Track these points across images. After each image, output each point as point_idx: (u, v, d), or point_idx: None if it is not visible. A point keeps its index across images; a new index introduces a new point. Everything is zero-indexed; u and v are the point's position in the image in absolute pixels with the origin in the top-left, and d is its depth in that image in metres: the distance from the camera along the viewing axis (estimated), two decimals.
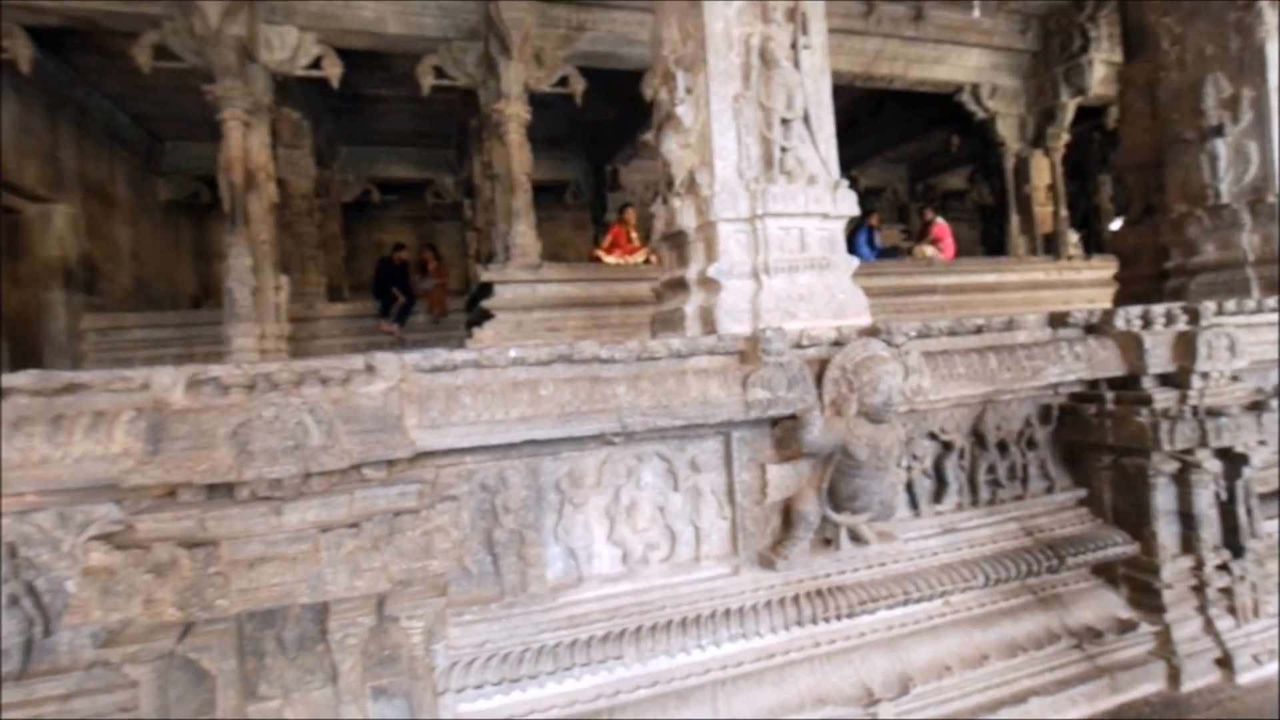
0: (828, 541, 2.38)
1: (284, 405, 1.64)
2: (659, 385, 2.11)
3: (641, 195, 12.22)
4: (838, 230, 2.58)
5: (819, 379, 2.24)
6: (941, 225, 8.64)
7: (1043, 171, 8.95)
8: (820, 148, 2.53)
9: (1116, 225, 11.89)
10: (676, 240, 2.65)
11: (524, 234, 7.63)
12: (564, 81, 8.06)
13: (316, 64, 7.40)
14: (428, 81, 7.83)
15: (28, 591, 1.78)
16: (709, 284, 2.48)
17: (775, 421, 2.33)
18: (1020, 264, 8.54)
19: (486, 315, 7.26)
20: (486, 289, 7.37)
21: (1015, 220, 9.01)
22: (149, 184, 10.11)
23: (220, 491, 1.70)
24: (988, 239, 11.40)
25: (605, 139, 11.51)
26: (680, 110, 2.49)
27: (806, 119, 2.46)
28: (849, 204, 2.54)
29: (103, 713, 1.77)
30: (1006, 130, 8.78)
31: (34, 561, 1.79)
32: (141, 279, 9.42)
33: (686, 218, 2.52)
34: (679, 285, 2.64)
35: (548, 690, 2.02)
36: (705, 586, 2.30)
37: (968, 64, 8.55)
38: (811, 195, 2.44)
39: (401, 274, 9.32)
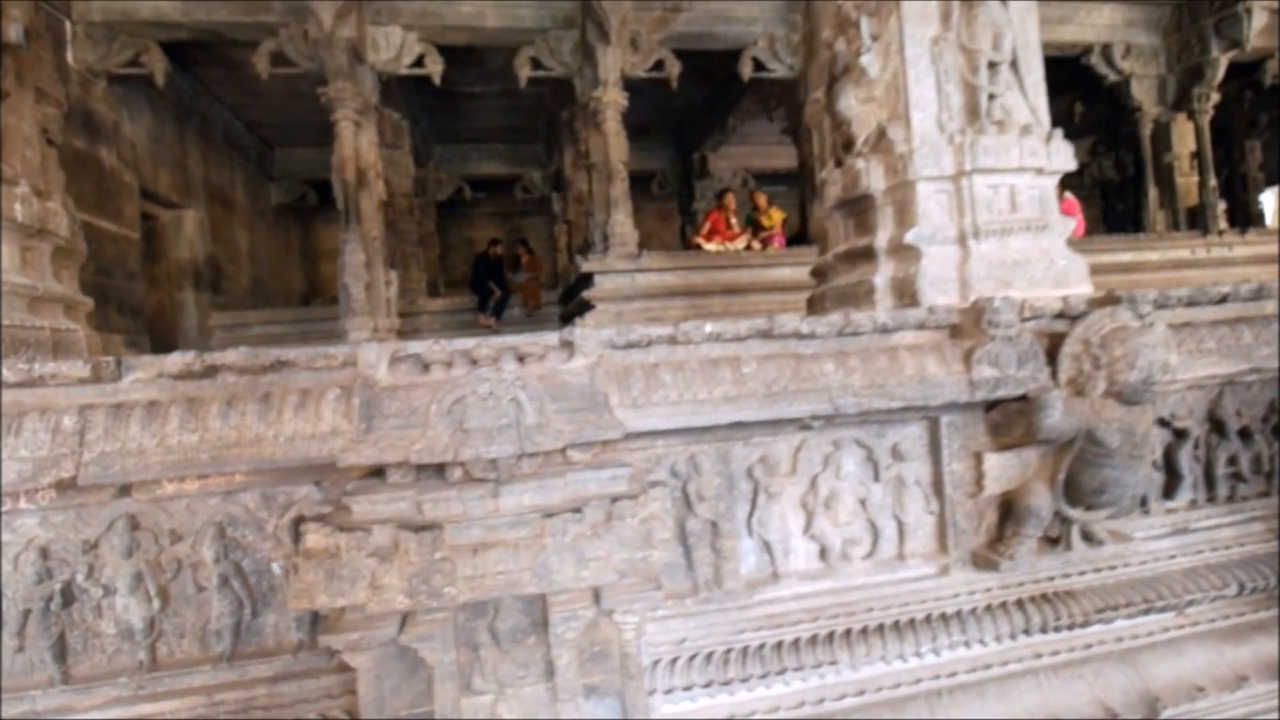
0: (1052, 540, 2.08)
1: (498, 381, 1.52)
2: (869, 363, 1.89)
3: (729, 182, 11.92)
4: (1050, 188, 2.26)
5: (1050, 355, 1.95)
6: (1071, 200, 7.90)
7: (1186, 137, 8.04)
8: (1029, 94, 2.23)
9: (1271, 196, 10.60)
10: (858, 206, 2.40)
11: (622, 223, 7.52)
12: (659, 66, 7.90)
13: (419, 62, 7.55)
14: (524, 73, 7.84)
15: (236, 572, 1.76)
16: (905, 252, 2.22)
17: (990, 405, 2.05)
18: (1161, 241, 7.69)
19: (586, 306, 7.20)
20: (586, 280, 7.32)
21: (1153, 193, 8.14)
22: (262, 189, 10.69)
23: (428, 472, 1.60)
24: (1109, 218, 10.38)
25: (693, 125, 11.28)
26: (864, 60, 2.24)
27: (1014, 63, 2.16)
28: (1064, 157, 2.22)
29: (308, 697, 1.73)
30: (1143, 93, 7.93)
31: (240, 542, 1.77)
32: (258, 278, 9.97)
33: (874, 179, 2.27)
34: (862, 256, 2.40)
35: (751, 694, 1.84)
36: (912, 588, 2.06)
37: (1098, 21, 7.77)
38: (1026, 147, 2.14)
39: (497, 268, 9.44)
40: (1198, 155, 7.91)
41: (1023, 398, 1.93)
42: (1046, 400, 1.84)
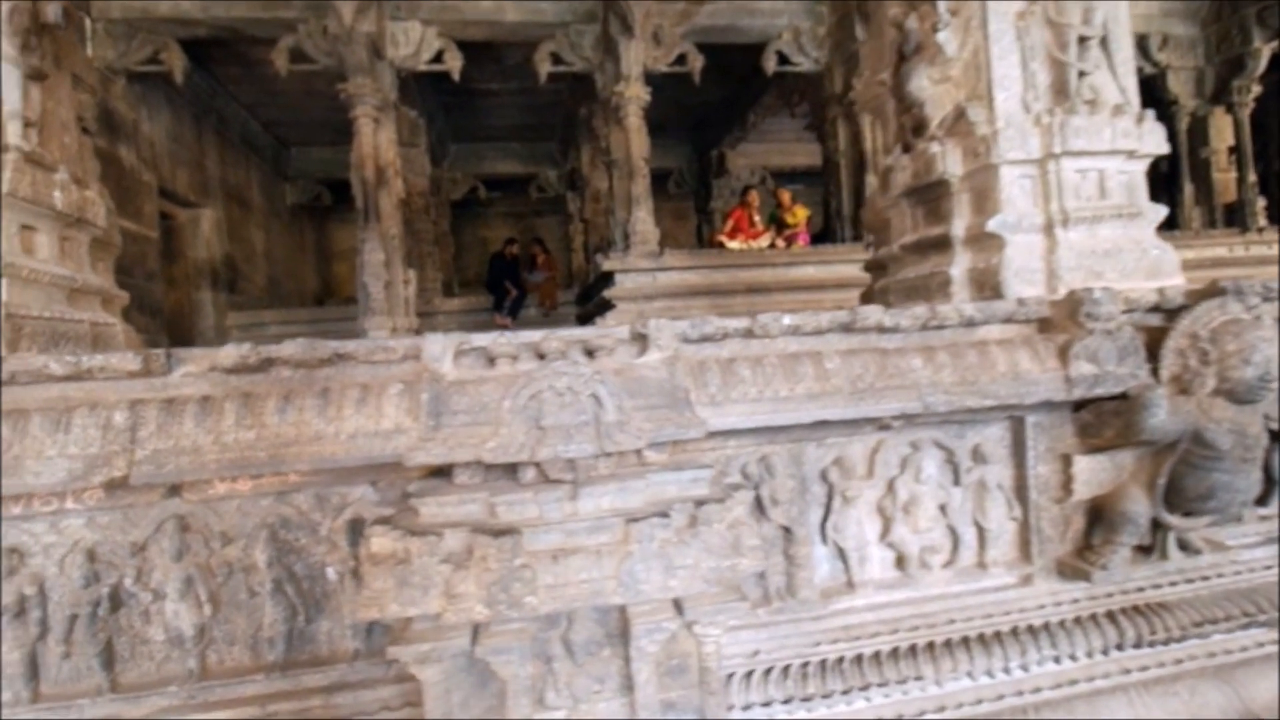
0: (1144, 549, 1.96)
1: (576, 375, 1.42)
2: (959, 359, 1.77)
3: (747, 180, 11.80)
4: (1140, 173, 2.14)
5: (1149, 350, 1.83)
6: None
7: (1224, 132, 7.86)
8: (1119, 72, 2.10)
9: None
10: (929, 194, 2.28)
11: (644, 221, 7.42)
12: (681, 60, 7.79)
13: (438, 58, 7.47)
14: (545, 68, 7.75)
15: (289, 577, 1.66)
16: (985, 241, 2.10)
17: (1080, 404, 1.93)
18: (1198, 239, 7.52)
19: (605, 306, 7.10)
20: (606, 279, 7.21)
21: (1189, 190, 7.96)
22: (278, 188, 10.66)
23: (496, 472, 1.50)
24: None
25: (711, 122, 11.17)
26: (941, 37, 2.12)
27: (1104, 39, 2.04)
28: (1157, 139, 2.10)
29: (366, 709, 1.63)
30: (1179, 86, 7.76)
31: (292, 545, 1.67)
32: (273, 278, 9.93)
33: (950, 164, 2.16)
34: (934, 246, 2.28)
35: (829, 711, 1.73)
36: (994, 598, 1.94)
37: (1134, 12, 7.60)
38: (1119, 128, 2.02)
39: (513, 268, 9.36)
40: (1236, 150, 7.72)
41: (1121, 396, 1.81)
42: (1150, 399, 1.72)
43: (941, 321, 1.84)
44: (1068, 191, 2.02)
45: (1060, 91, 2.03)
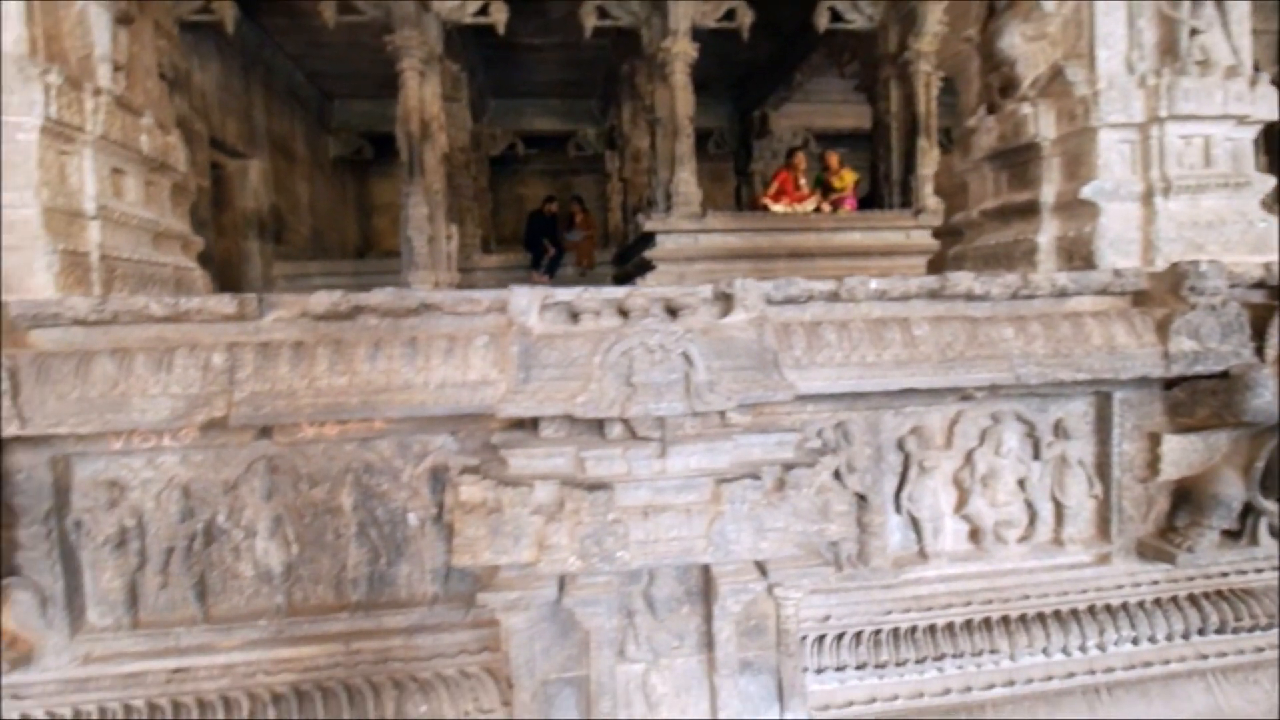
0: (1232, 534, 1.90)
1: (668, 333, 1.40)
2: (1052, 330, 1.70)
3: (789, 142, 11.46)
4: (1247, 140, 2.00)
5: (1255, 328, 1.74)
6: None
7: None
8: (1233, 31, 1.95)
9: None
10: (1016, 157, 2.17)
11: (687, 181, 7.25)
12: (730, 15, 7.50)
13: (484, 10, 7.30)
14: (590, 23, 7.52)
15: (372, 521, 1.71)
16: (1077, 208, 2.00)
17: (1170, 382, 1.85)
18: None
19: (645, 266, 7.03)
20: (646, 239, 7.13)
21: None
22: (321, 141, 10.68)
23: (580, 427, 1.50)
24: None
25: (755, 81, 10.81)
26: None
27: None
28: (1270, 104, 1.95)
29: (444, 651, 1.68)
30: (1259, 52, 7.21)
31: (374, 490, 1.71)
32: (317, 230, 10.04)
33: (1042, 126, 2.04)
34: (1018, 212, 2.18)
35: (901, 679, 1.73)
36: (1069, 575, 1.90)
37: None
38: (1231, 91, 1.88)
39: (551, 226, 9.32)
40: None
41: (1220, 375, 1.73)
42: (1256, 379, 1.63)
43: (1033, 290, 1.76)
44: (1170, 158, 1.90)
45: (1168, 51, 1.89)
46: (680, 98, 7.29)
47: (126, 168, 1.94)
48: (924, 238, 7.12)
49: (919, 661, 1.71)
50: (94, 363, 1.45)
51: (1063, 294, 1.79)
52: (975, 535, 1.90)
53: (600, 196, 12.31)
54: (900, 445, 1.85)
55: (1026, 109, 2.09)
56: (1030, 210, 2.13)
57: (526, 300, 1.53)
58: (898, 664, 1.70)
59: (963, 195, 2.57)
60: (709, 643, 1.51)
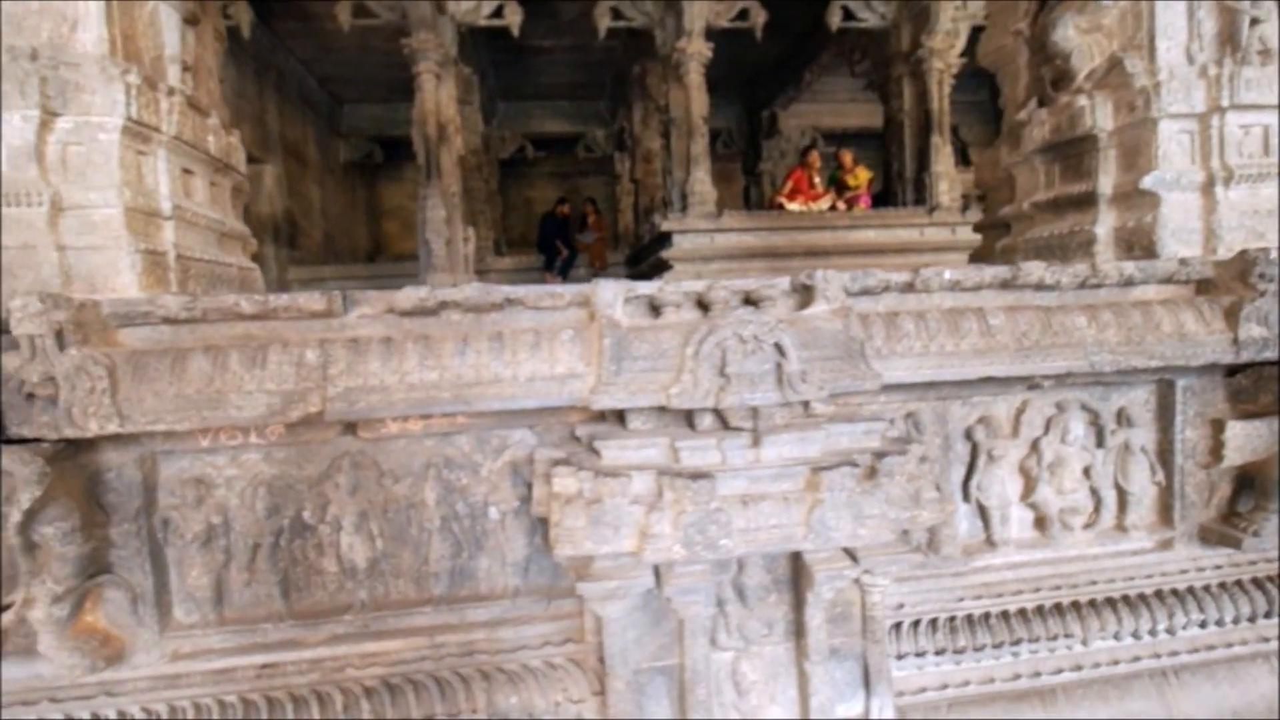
0: None
1: (761, 324, 1.42)
2: (1123, 318, 1.72)
3: (797, 141, 11.49)
4: None
5: None
6: None
7: None
8: None
9: None
10: (1071, 149, 2.19)
11: (702, 181, 7.28)
12: (743, 15, 7.54)
13: (498, 13, 7.33)
14: (604, 23, 7.56)
15: (453, 515, 1.72)
16: (1136, 199, 2.02)
17: (1233, 369, 1.88)
18: None
19: (661, 267, 7.05)
20: (662, 239, 7.15)
21: None
22: (332, 145, 10.70)
23: (666, 419, 1.52)
24: None
25: (764, 81, 10.85)
26: None
27: None
28: None
29: (528, 643, 1.70)
30: None
31: (454, 484, 1.72)
32: (329, 234, 10.06)
33: (1099, 118, 2.06)
34: (1074, 203, 2.20)
35: (970, 664, 1.75)
36: (1133, 561, 1.92)
37: None
38: None
39: (564, 227, 9.34)
40: None
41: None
42: None
43: (1101, 279, 1.78)
44: (1230, 148, 1.92)
45: (1227, 41, 1.92)
46: (695, 98, 7.32)
47: (195, 168, 1.96)
48: (938, 234, 7.16)
49: (992, 647, 1.73)
50: (189, 360, 1.47)
51: (1129, 283, 1.81)
52: (1041, 523, 1.92)
53: (609, 198, 12.33)
54: (968, 435, 1.87)
55: (1082, 101, 2.11)
56: (1086, 201, 2.15)
57: (611, 294, 1.55)
58: (971, 650, 1.72)
59: (1009, 189, 2.59)
60: (797, 630, 1.53)
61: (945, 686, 1.78)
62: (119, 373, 1.44)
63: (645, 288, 1.62)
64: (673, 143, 7.76)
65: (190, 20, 1.91)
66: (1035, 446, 1.89)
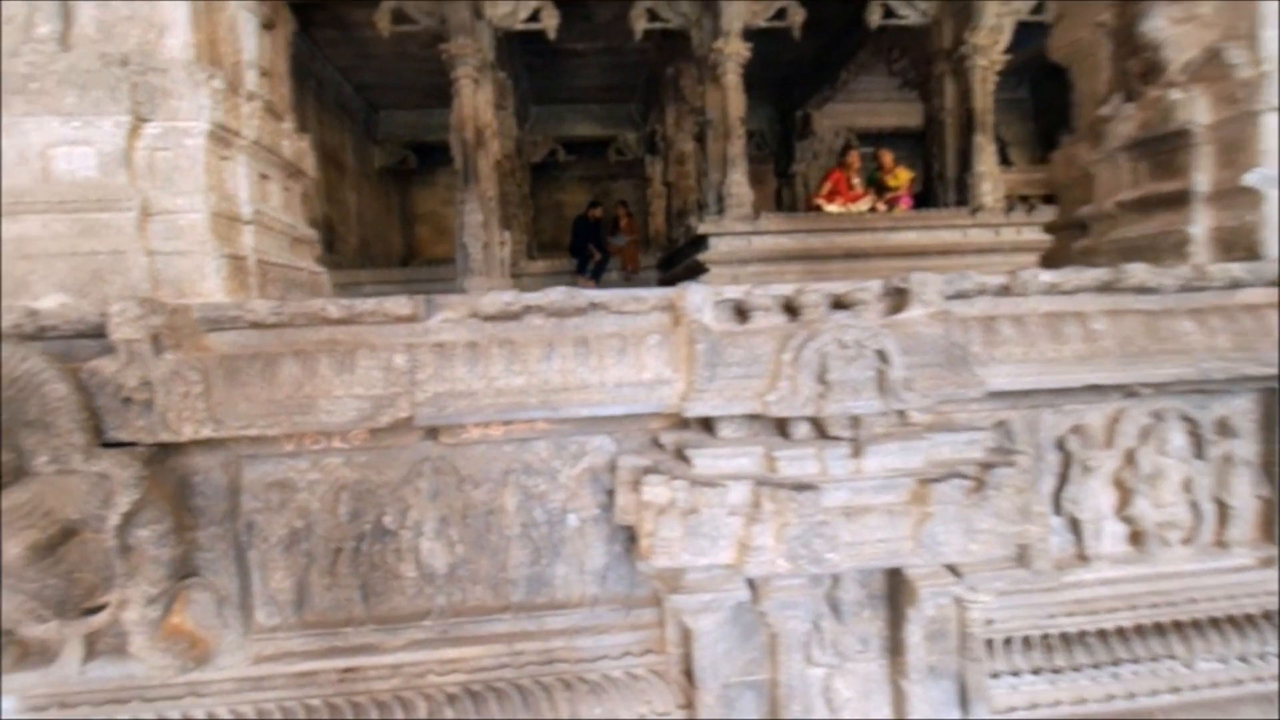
0: None
1: (863, 329, 1.37)
2: (1232, 323, 1.64)
3: (831, 142, 11.36)
4: None
5: None
6: None
7: None
8: None
9: None
10: (1161, 145, 2.10)
11: (739, 183, 7.22)
12: (780, 15, 7.47)
13: (534, 17, 7.37)
14: (640, 25, 7.54)
15: (531, 522, 1.70)
16: (1236, 197, 1.93)
17: None
18: None
19: (697, 270, 7.00)
20: (697, 243, 7.11)
21: None
22: (367, 152, 10.87)
23: (758, 426, 1.48)
24: None
25: (798, 81, 10.75)
26: None
27: None
28: None
29: (608, 653, 1.67)
30: None
31: (532, 491, 1.70)
32: (365, 239, 10.21)
33: (1196, 112, 1.97)
34: (1164, 203, 2.11)
35: (1066, 684, 1.68)
36: (1234, 579, 1.83)
37: None
38: None
39: (596, 231, 9.34)
40: None
41: None
42: None
43: (1206, 282, 1.70)
44: None
45: None
46: (732, 99, 7.26)
47: (271, 173, 1.97)
48: (982, 236, 7.00)
49: (1090, 667, 1.65)
50: (279, 365, 1.47)
51: (1235, 285, 1.72)
52: (1137, 537, 1.83)
53: (640, 201, 12.32)
54: (1060, 444, 1.80)
55: (1176, 94, 2.02)
56: (1178, 200, 2.05)
57: (700, 297, 1.51)
58: (1064, 669, 1.64)
59: (1085, 187, 2.50)
60: (892, 647, 1.48)
61: (1035, 706, 1.70)
62: (212, 377, 1.44)
63: (732, 291, 1.58)
64: (708, 144, 7.71)
65: (267, 25, 1.93)
66: (1131, 457, 1.81)
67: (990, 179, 7.22)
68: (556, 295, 1.56)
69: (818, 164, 11.07)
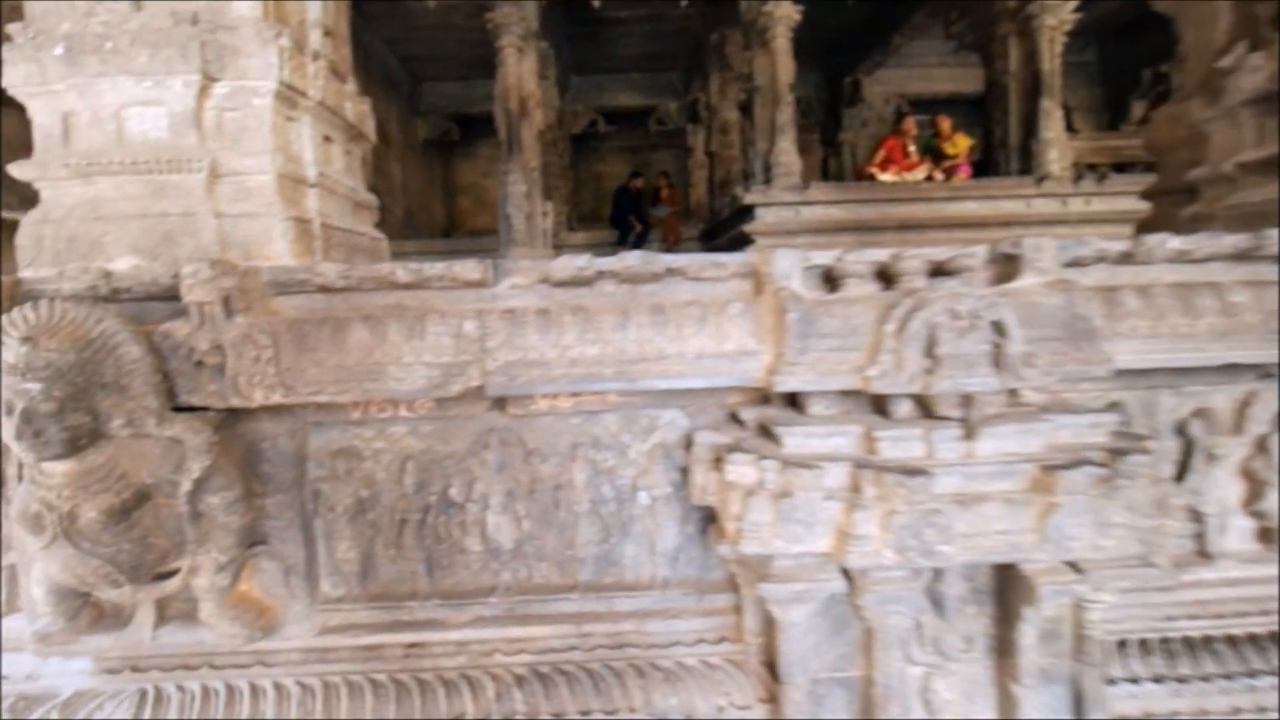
0: None
1: (978, 298, 1.23)
2: None
3: (880, 110, 10.89)
4: None
5: None
6: None
7: None
8: None
9: None
10: None
11: (787, 151, 6.94)
12: None
13: None
14: None
15: (600, 498, 1.62)
16: None
17: None
18: None
19: (742, 241, 6.80)
20: (742, 213, 6.89)
21: None
22: (411, 124, 10.86)
23: (851, 404, 1.36)
24: None
25: (846, 46, 10.27)
26: None
27: None
28: None
29: (681, 639, 1.59)
30: None
31: (600, 466, 1.62)
32: (410, 210, 10.25)
33: None
34: None
35: (1191, 693, 1.53)
36: None
37: None
38: None
39: (637, 202, 9.18)
40: None
41: None
42: None
43: None
44: None
45: None
46: (781, 63, 6.97)
47: (334, 135, 1.91)
48: (1047, 206, 6.60)
49: (1219, 677, 1.50)
50: (349, 330, 1.40)
51: None
52: (1266, 534, 1.66)
53: (681, 172, 12.05)
54: (1180, 429, 1.63)
55: None
56: None
57: (789, 263, 1.39)
58: (1188, 677, 1.50)
59: (1194, 149, 2.26)
60: (1000, 647, 1.36)
61: (1149, 715, 1.57)
62: (281, 342, 1.39)
63: (821, 257, 1.45)
64: (755, 112, 7.44)
65: None
66: (1263, 445, 1.63)
67: (1057, 146, 6.80)
68: (632, 260, 1.45)
69: (866, 132, 10.62)
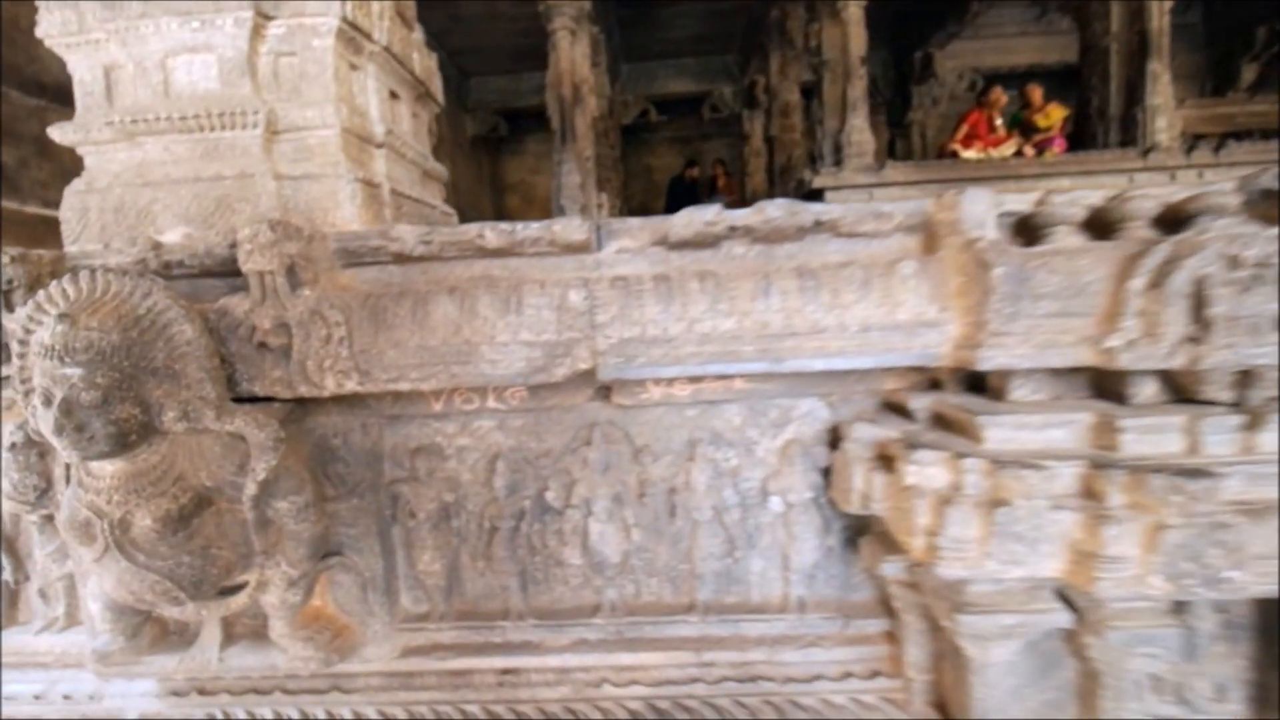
0: None
1: (1268, 239, 0.91)
2: None
3: (953, 86, 10.24)
4: None
5: None
6: None
7: None
8: None
9: None
10: None
11: (860, 129, 6.53)
12: None
13: None
14: None
15: (722, 505, 1.36)
16: None
17: None
18: None
19: None
20: (810, 198, 6.49)
21: None
22: (459, 120, 10.83)
23: (1060, 386, 1.06)
24: None
25: (915, 20, 9.68)
26: None
27: None
28: None
29: (825, 673, 1.32)
30: None
31: (722, 466, 1.36)
32: (460, 207, 10.18)
33: None
34: None
35: None
36: None
37: None
38: None
39: (693, 191, 8.89)
40: None
41: None
42: None
43: None
44: None
45: None
46: (854, 34, 6.58)
47: (401, 91, 1.71)
48: (1154, 180, 6.00)
49: None
50: (431, 305, 1.18)
51: None
52: None
53: (735, 160, 11.67)
54: None
55: None
56: None
57: (982, 208, 1.09)
58: None
59: None
60: (1263, 696, 1.03)
61: None
62: (354, 319, 1.18)
63: (1017, 202, 1.14)
64: (824, 88, 7.04)
65: None
66: None
67: (1166, 113, 6.18)
68: (774, 210, 1.18)
69: (937, 111, 9.99)
